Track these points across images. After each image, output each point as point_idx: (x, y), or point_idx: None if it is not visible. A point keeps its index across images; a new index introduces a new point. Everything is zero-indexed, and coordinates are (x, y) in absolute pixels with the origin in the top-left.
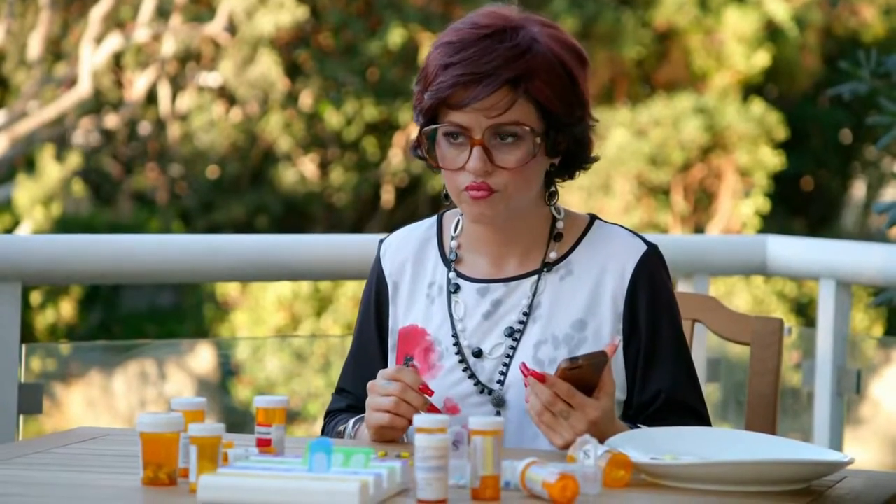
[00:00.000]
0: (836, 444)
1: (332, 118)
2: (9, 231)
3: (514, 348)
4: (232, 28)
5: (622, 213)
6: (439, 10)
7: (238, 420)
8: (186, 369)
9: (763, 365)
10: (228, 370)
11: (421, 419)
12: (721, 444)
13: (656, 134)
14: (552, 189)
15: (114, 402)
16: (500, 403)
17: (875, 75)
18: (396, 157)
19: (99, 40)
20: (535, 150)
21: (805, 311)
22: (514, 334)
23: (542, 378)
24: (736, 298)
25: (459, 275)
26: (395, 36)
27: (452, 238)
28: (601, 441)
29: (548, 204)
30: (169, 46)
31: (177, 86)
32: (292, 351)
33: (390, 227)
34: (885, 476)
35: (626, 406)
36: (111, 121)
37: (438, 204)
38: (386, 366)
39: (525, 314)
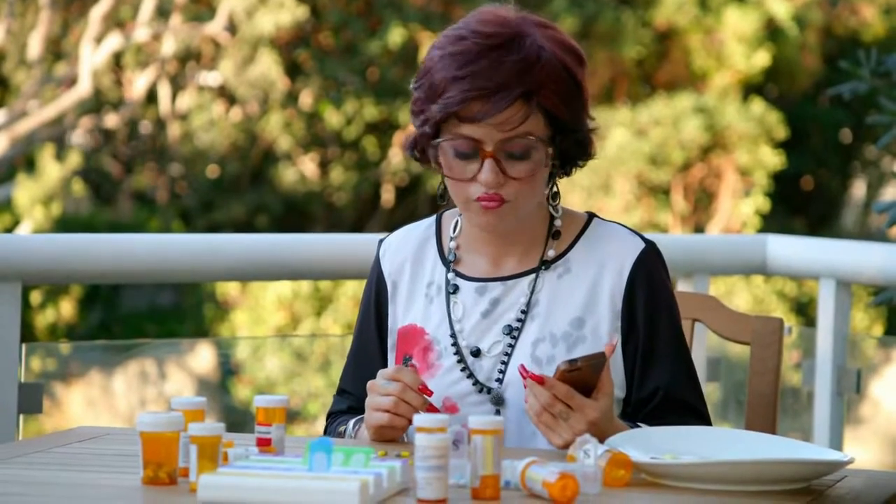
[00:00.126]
0: (836, 443)
1: (332, 118)
2: (9, 231)
3: (512, 346)
4: (232, 28)
5: (622, 212)
6: (439, 9)
7: (238, 419)
8: (186, 369)
9: (763, 364)
10: (228, 370)
11: (421, 419)
12: (721, 443)
13: (656, 134)
14: (555, 189)
15: (114, 401)
16: (498, 401)
17: (875, 75)
18: (396, 156)
19: (99, 40)
20: (545, 159)
21: (805, 310)
22: (513, 332)
23: (540, 380)
24: (736, 298)
25: (458, 274)
26: (395, 35)
27: (451, 239)
28: (601, 441)
29: (550, 204)
30: (169, 46)
31: (177, 85)
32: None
33: (390, 227)
34: (885, 476)
35: (625, 403)
36: (111, 120)
37: (438, 204)
38: (386, 366)
39: (523, 312)
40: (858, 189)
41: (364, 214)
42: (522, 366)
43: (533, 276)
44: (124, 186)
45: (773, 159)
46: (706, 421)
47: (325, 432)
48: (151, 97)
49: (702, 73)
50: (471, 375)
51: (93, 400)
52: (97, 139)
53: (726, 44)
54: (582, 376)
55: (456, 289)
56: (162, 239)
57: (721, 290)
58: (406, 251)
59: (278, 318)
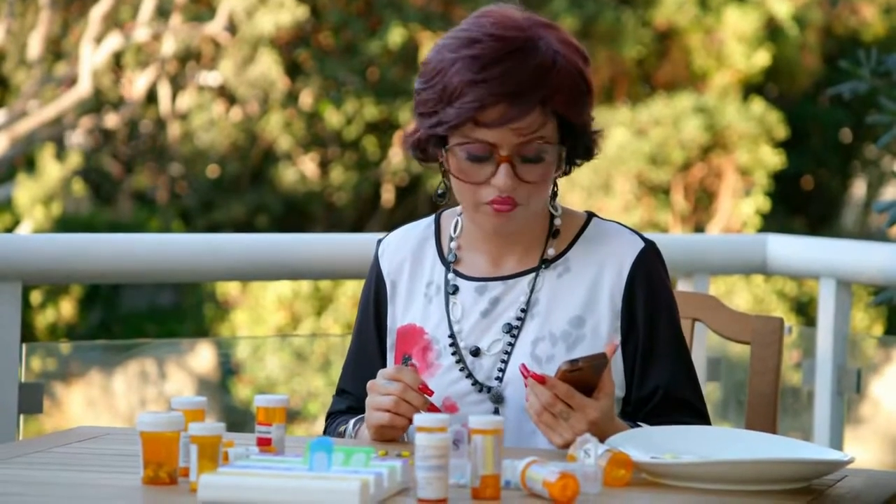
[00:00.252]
0: (837, 443)
1: (333, 117)
2: (9, 230)
3: (512, 345)
4: (232, 27)
5: (622, 212)
6: (439, 9)
7: (238, 419)
8: (187, 368)
9: (763, 364)
10: (229, 369)
11: (421, 418)
12: (721, 443)
13: (656, 133)
14: (554, 189)
15: (114, 401)
16: (498, 400)
17: (875, 74)
18: (396, 156)
19: (99, 40)
20: (557, 162)
21: (805, 310)
22: (513, 331)
23: (542, 380)
24: (736, 297)
25: (458, 274)
26: (395, 35)
27: (452, 239)
28: (601, 440)
29: (549, 203)
30: (169, 46)
31: (177, 85)
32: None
33: (390, 227)
34: (885, 475)
35: (625, 403)
36: (111, 120)
37: (437, 203)
38: (385, 366)
39: (523, 311)
40: (858, 189)
41: (364, 214)
42: (524, 365)
43: (533, 275)
44: (124, 186)
45: (774, 159)
46: (705, 420)
47: (325, 432)
48: (151, 97)
49: (702, 72)
50: (470, 375)
51: (93, 400)
52: (97, 139)
53: (726, 43)
54: (583, 376)
55: (455, 289)
56: (162, 239)
57: (721, 290)
58: (405, 251)
59: (278, 317)
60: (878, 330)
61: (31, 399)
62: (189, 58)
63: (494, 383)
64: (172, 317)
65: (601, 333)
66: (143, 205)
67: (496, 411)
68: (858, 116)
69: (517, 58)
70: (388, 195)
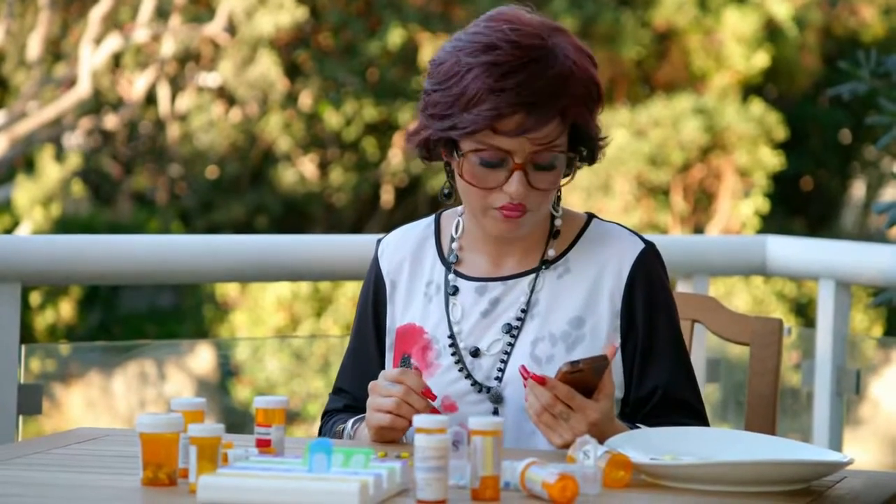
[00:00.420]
0: (836, 444)
1: (332, 118)
2: (8, 232)
3: (511, 345)
4: (231, 28)
5: (622, 213)
6: (439, 10)
7: (238, 420)
8: (186, 370)
9: (762, 365)
10: (228, 371)
11: (421, 419)
12: (721, 444)
13: (656, 134)
14: (558, 193)
15: (113, 402)
16: (497, 400)
17: (874, 75)
18: (396, 157)
19: (98, 41)
20: (568, 169)
21: (804, 311)
22: (512, 331)
23: (542, 381)
24: (735, 299)
25: (458, 274)
26: (395, 36)
27: (454, 240)
28: (600, 442)
29: (558, 206)
30: (168, 47)
31: (176, 86)
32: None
33: (390, 228)
34: (885, 476)
35: (623, 404)
36: (111, 121)
37: (438, 204)
38: (384, 365)
39: (523, 311)
40: (858, 190)
41: (363, 215)
42: (524, 366)
43: (533, 275)
44: (124, 187)
45: (773, 160)
46: (704, 420)
47: (321, 430)
48: (151, 98)
49: (701, 73)
50: (469, 375)
51: (92, 401)
52: (97, 140)
53: (726, 44)
54: (583, 378)
55: (456, 290)
56: (161, 240)
57: (721, 291)
58: (405, 250)
59: (278, 319)
60: (878, 331)
61: (31, 400)
62: (188, 59)
63: (494, 383)
64: (172, 318)
65: (601, 334)
66: (142, 206)
67: (496, 411)
68: (858, 117)
69: (536, 67)
70: (387, 196)
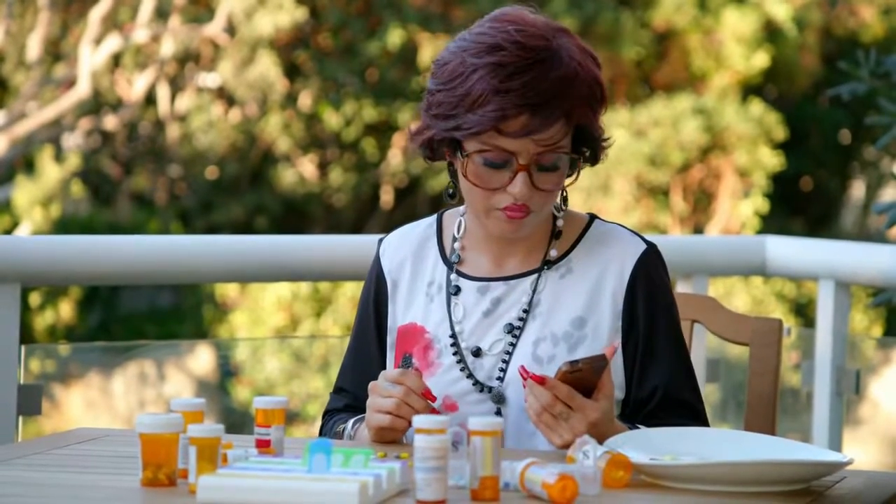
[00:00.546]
0: (836, 444)
1: (332, 119)
2: (8, 232)
3: (513, 345)
4: (231, 29)
5: (621, 213)
6: (438, 10)
7: (237, 421)
8: (186, 370)
9: (762, 365)
10: (228, 371)
11: (420, 420)
12: (720, 444)
13: (655, 134)
14: (563, 193)
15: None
16: (499, 400)
17: (874, 75)
18: (395, 157)
19: (98, 41)
20: (571, 170)
21: (804, 311)
22: (514, 331)
23: (541, 381)
24: (735, 299)
25: (461, 274)
26: (395, 36)
27: (456, 239)
28: (600, 442)
29: (562, 207)
30: (168, 47)
31: (176, 87)
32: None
33: (389, 228)
34: (885, 476)
35: (624, 405)
36: (110, 122)
37: (437, 204)
38: (384, 364)
39: (525, 311)
40: (857, 190)
41: (363, 216)
42: (523, 367)
43: (535, 275)
44: (123, 188)
45: (773, 160)
46: (704, 421)
47: (322, 430)
48: (150, 98)
49: (701, 73)
50: (470, 375)
51: (92, 401)
52: (96, 140)
53: (725, 44)
54: (583, 378)
55: (458, 290)
56: (161, 240)
57: (720, 292)
58: (406, 250)
59: (277, 319)
60: (877, 331)
61: (30, 401)
62: (188, 59)
63: (495, 383)
64: (171, 318)
65: (602, 334)
66: (142, 206)
67: (498, 412)
68: (857, 118)
69: (541, 68)
70: (386, 196)
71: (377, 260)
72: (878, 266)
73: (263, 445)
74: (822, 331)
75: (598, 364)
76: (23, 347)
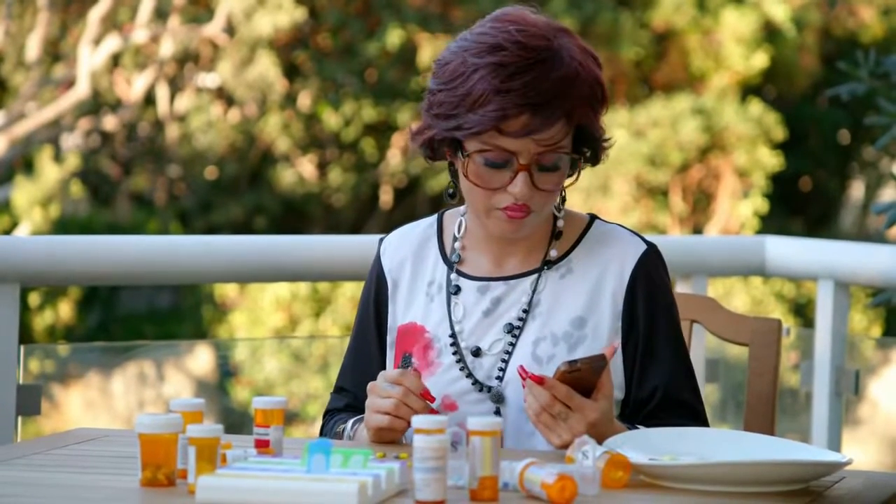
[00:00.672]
0: (835, 444)
1: (331, 119)
2: (7, 232)
3: (513, 345)
4: (230, 29)
5: (621, 213)
6: (438, 10)
7: (236, 421)
8: (185, 370)
9: (761, 365)
10: (227, 371)
11: (419, 420)
12: (720, 444)
13: (655, 135)
14: (563, 194)
15: (112, 403)
16: (499, 399)
17: (873, 76)
18: (395, 157)
19: (97, 41)
20: (572, 170)
21: (803, 311)
22: (514, 331)
23: (540, 381)
24: (734, 299)
25: (461, 273)
26: (394, 37)
27: (456, 239)
28: (599, 442)
29: (561, 207)
30: (167, 48)
31: (175, 87)
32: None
33: (388, 228)
34: (884, 476)
35: (624, 405)
36: (109, 122)
37: (437, 205)
38: (385, 364)
39: (525, 311)
40: (857, 190)
41: (362, 216)
42: (522, 367)
43: (535, 275)
44: (122, 188)
45: (772, 160)
46: (703, 421)
47: (322, 430)
48: (150, 99)
49: (700, 74)
50: (470, 375)
51: (91, 401)
52: (95, 141)
53: (724, 45)
54: (582, 378)
55: (458, 290)
56: (160, 240)
57: (719, 292)
58: (407, 249)
59: (277, 319)
60: (877, 331)
61: (30, 401)
62: (187, 59)
63: (494, 383)
64: (171, 318)
65: (602, 334)
66: (141, 206)
67: (497, 411)
68: (857, 118)
69: (542, 68)
70: (386, 197)
71: (377, 259)
72: (877, 266)
73: (262, 446)
74: (822, 331)
75: (598, 364)
76: (22, 347)
